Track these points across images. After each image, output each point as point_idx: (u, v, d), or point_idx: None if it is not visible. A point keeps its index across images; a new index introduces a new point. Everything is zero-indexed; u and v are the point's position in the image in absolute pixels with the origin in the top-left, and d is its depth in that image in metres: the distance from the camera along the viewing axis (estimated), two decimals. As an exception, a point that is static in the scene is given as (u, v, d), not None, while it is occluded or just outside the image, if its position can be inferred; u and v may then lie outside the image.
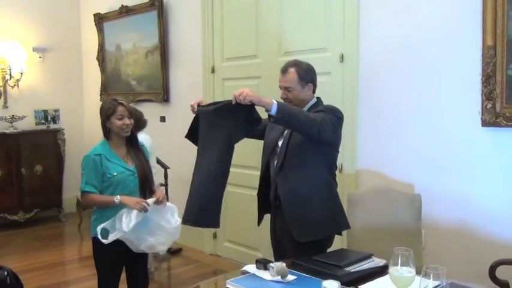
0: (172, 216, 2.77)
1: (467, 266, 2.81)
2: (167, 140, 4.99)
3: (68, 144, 6.28)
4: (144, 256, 2.95)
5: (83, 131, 6.71)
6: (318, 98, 2.62)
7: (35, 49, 6.25)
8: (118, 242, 2.70)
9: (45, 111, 6.27)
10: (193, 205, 2.34)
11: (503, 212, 2.80)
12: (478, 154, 2.89)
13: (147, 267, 3.04)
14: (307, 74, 2.54)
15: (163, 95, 5.23)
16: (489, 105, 2.78)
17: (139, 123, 4.16)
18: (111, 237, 2.59)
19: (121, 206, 2.64)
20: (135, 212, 2.59)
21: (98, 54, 6.22)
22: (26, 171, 5.88)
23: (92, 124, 6.51)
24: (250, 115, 2.34)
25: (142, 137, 4.14)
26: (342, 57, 3.53)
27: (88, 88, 6.65)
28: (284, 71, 2.56)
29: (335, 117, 2.46)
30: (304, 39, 3.82)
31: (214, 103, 2.45)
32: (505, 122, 2.72)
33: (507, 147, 2.78)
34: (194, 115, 2.46)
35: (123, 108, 2.72)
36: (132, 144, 2.83)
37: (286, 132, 2.54)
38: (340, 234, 2.69)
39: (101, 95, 6.25)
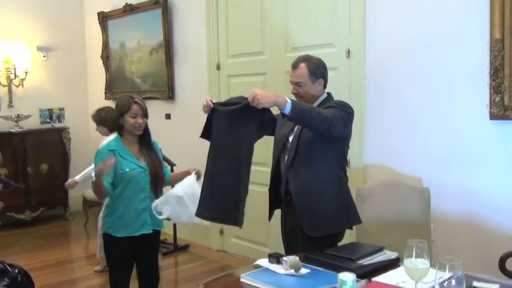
0: None
1: (476, 258, 2.82)
2: (172, 137, 5.00)
3: (73, 142, 6.31)
4: (154, 252, 2.97)
5: (88, 130, 6.69)
6: (328, 93, 2.63)
7: (39, 48, 6.27)
8: (129, 239, 2.74)
9: (50, 110, 6.29)
10: (218, 202, 2.41)
11: (512, 205, 2.81)
12: (486, 147, 2.90)
13: (158, 263, 3.05)
14: (317, 69, 2.55)
15: (169, 93, 5.25)
16: (497, 99, 2.78)
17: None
18: (165, 214, 2.68)
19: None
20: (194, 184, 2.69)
21: (102, 53, 6.23)
22: (31, 170, 5.90)
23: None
24: (265, 117, 2.35)
25: None
26: (348, 52, 3.54)
27: (92, 86, 6.66)
28: (295, 66, 2.57)
29: (346, 112, 2.47)
30: (310, 35, 3.83)
31: (229, 103, 2.45)
32: (513, 115, 2.73)
33: (515, 140, 2.79)
34: (206, 114, 2.47)
35: (137, 106, 2.74)
36: (145, 141, 2.84)
37: (296, 128, 2.55)
38: (351, 228, 2.70)
39: (105, 93, 6.26)
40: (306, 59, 2.57)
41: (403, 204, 2.97)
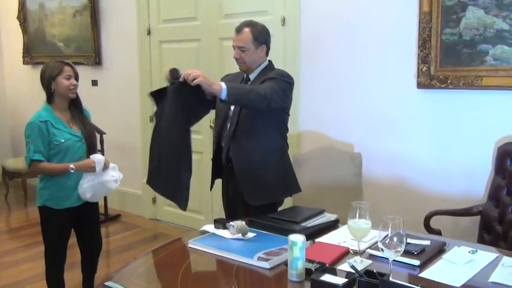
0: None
1: (402, 217, 3.01)
2: (101, 105, 4.82)
3: (-12, 109, 5.91)
4: (96, 219, 2.95)
5: (5, 95, 6.31)
6: (269, 60, 2.65)
7: None
8: (69, 209, 2.68)
9: (-39, 75, 5.81)
10: (164, 179, 2.38)
11: (436, 168, 3.03)
12: (413, 114, 3.08)
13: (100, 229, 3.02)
14: (261, 35, 2.54)
15: (95, 58, 5.02)
16: (424, 68, 2.95)
17: None
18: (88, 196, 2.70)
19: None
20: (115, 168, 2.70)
21: (18, 14, 5.80)
22: None
23: (15, 87, 6.16)
24: (202, 97, 2.34)
25: None
26: (283, 20, 3.56)
27: (8, 50, 6.21)
28: (239, 30, 2.55)
29: (285, 83, 2.50)
30: (245, 1, 3.81)
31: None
32: (438, 84, 2.92)
33: (440, 107, 2.99)
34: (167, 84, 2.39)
35: (69, 68, 2.66)
36: (76, 107, 2.74)
37: None
38: (290, 196, 2.79)
39: (23, 57, 5.88)
40: (251, 24, 2.56)
41: (336, 169, 3.11)
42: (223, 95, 2.25)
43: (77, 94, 2.71)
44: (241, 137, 2.53)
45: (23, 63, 5.88)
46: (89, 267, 2.94)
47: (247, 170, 2.54)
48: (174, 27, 4.37)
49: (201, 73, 2.24)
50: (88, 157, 2.70)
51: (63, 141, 2.61)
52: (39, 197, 2.68)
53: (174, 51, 4.36)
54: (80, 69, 5.06)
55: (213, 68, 3.95)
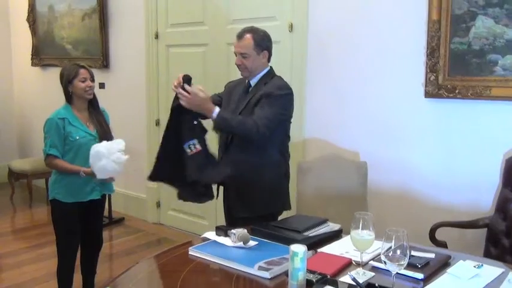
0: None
1: (408, 229, 2.96)
2: (107, 107, 4.75)
3: (-4, 110, 5.95)
4: (100, 217, 3.03)
5: (13, 96, 6.34)
6: (270, 67, 2.63)
7: (-44, 9, 5.78)
8: (78, 204, 2.77)
9: (-30, 76, 5.85)
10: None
11: (442, 178, 2.98)
12: (420, 124, 3.04)
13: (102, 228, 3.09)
14: (263, 41, 2.53)
15: (103, 61, 5.03)
16: (432, 78, 2.92)
17: None
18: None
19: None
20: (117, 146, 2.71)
21: (28, 16, 5.84)
22: (-49, 140, 5.51)
23: (23, 89, 6.18)
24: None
25: None
26: (291, 26, 3.55)
27: (17, 51, 6.24)
28: (240, 36, 2.53)
29: (283, 96, 2.49)
30: (253, 7, 3.80)
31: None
32: (446, 93, 2.88)
33: (448, 117, 2.94)
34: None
35: (85, 70, 2.78)
36: (94, 108, 2.86)
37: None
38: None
39: (32, 59, 5.91)
40: (252, 30, 2.54)
41: (341, 178, 3.07)
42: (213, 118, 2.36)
43: (94, 94, 2.85)
44: (233, 149, 2.54)
45: (32, 65, 5.90)
46: (88, 267, 3.00)
47: (234, 182, 2.54)
48: (181, 31, 4.37)
49: (197, 94, 2.31)
50: None
51: (77, 138, 2.73)
52: (51, 190, 2.81)
53: (182, 56, 4.36)
54: (87, 71, 5.14)
55: (220, 72, 3.94)
